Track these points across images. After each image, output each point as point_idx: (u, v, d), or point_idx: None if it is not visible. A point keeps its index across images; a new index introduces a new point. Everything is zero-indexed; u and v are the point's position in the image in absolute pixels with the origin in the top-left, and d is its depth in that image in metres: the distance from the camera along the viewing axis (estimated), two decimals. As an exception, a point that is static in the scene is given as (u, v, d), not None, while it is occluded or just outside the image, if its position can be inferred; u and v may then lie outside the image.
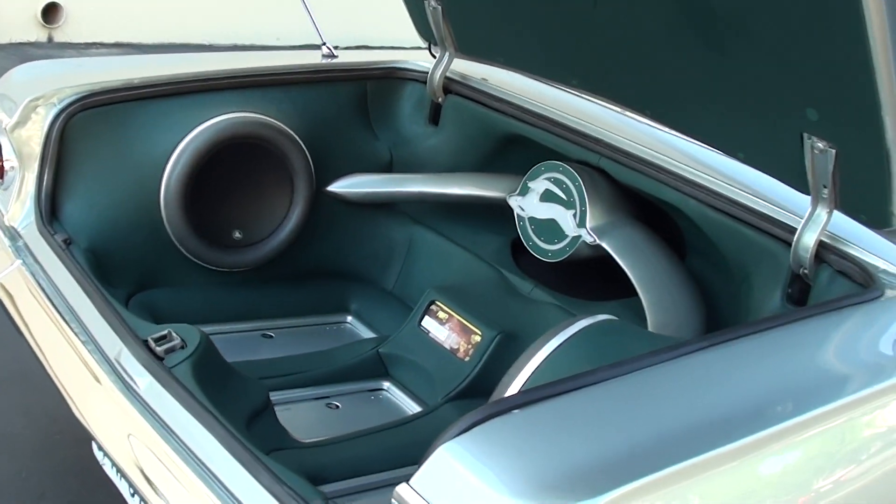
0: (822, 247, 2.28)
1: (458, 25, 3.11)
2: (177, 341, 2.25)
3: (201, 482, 1.89)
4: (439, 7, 3.06)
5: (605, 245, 2.78)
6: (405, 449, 2.47)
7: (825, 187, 2.17)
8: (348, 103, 3.33)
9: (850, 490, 1.80)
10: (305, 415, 2.75)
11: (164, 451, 1.97)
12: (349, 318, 3.31)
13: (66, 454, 3.15)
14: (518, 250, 3.14)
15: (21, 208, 2.77)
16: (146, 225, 2.96)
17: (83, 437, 2.27)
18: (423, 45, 3.32)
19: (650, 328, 2.61)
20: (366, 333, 3.23)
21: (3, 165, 2.83)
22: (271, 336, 3.14)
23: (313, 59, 3.37)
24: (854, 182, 2.13)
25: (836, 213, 2.22)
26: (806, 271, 2.31)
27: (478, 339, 2.83)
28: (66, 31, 7.84)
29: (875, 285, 2.14)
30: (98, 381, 2.19)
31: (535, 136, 3.03)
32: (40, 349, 2.45)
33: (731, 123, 2.39)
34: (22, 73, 3.05)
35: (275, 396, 2.60)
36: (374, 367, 2.93)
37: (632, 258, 2.74)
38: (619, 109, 2.98)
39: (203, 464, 1.91)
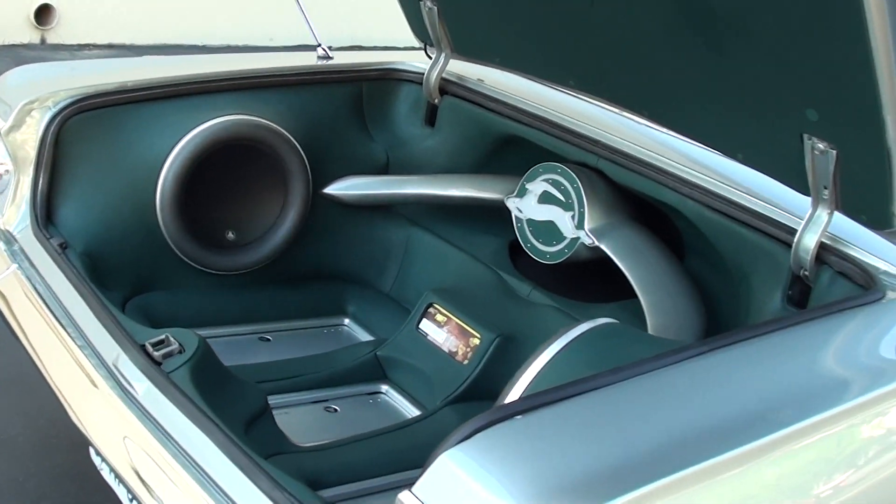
0: (822, 248, 2.27)
1: (454, 26, 3.10)
2: (174, 346, 2.24)
3: (200, 488, 1.88)
4: (435, 7, 3.05)
5: (603, 247, 2.77)
6: (405, 453, 2.46)
7: (826, 188, 2.16)
8: (344, 105, 3.32)
9: (852, 495, 1.79)
10: (304, 419, 2.74)
11: (162, 456, 1.97)
12: (346, 321, 3.30)
13: (64, 457, 3.14)
14: (516, 252, 3.13)
15: (16, 212, 2.76)
16: (142, 228, 2.95)
17: (81, 441, 2.25)
18: (418, 44, 3.31)
19: (650, 331, 2.60)
20: (363, 336, 3.22)
21: (-2, 169, 2.82)
22: (268, 339, 3.13)
23: (308, 60, 3.36)
24: (855, 183, 2.12)
25: (836, 213, 2.21)
26: (806, 273, 2.30)
27: (476, 341, 2.82)
28: (59, 33, 7.82)
29: (876, 287, 2.13)
30: (95, 385, 2.18)
31: (532, 138, 3.02)
32: (37, 354, 2.43)
33: (730, 124, 2.38)
34: (16, 77, 3.03)
35: (273, 400, 2.59)
36: (373, 370, 2.92)
37: (631, 260, 2.73)
38: (616, 110, 2.97)
39: (202, 469, 1.91)
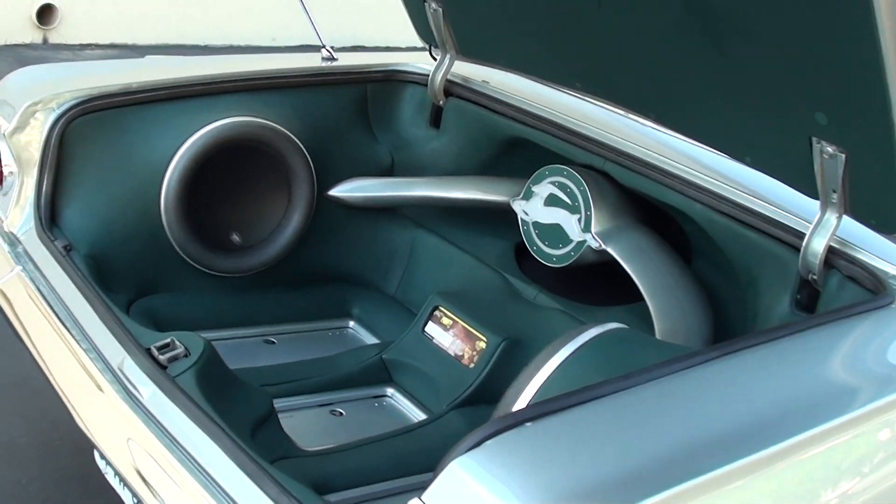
0: (831, 252, 2.26)
1: (459, 27, 3.09)
2: (180, 350, 2.23)
3: (206, 492, 1.87)
4: (440, 9, 3.04)
5: (610, 250, 2.76)
6: (411, 457, 2.46)
7: (834, 192, 2.15)
8: (349, 106, 3.31)
9: (862, 500, 1.78)
10: (309, 422, 2.73)
11: (167, 460, 1.96)
12: (351, 324, 3.29)
13: (67, 461, 3.14)
14: (522, 255, 3.12)
15: (20, 214, 2.75)
16: (146, 230, 2.94)
17: (84, 444, 2.25)
18: (421, 45, 3.30)
19: (658, 335, 2.59)
20: (368, 339, 3.22)
21: (2, 171, 2.81)
22: (273, 342, 3.12)
23: (313, 61, 3.35)
24: (864, 186, 2.11)
25: (845, 217, 2.20)
26: (815, 277, 2.29)
27: (483, 345, 2.81)
28: (61, 33, 7.82)
29: (886, 291, 2.12)
30: (100, 389, 2.17)
31: (538, 140, 3.01)
32: (41, 356, 2.43)
33: (738, 127, 2.36)
34: (20, 78, 3.02)
35: (278, 404, 2.58)
36: (378, 373, 2.91)
37: (638, 263, 2.72)
38: (623, 112, 2.96)
39: (208, 474, 1.90)
